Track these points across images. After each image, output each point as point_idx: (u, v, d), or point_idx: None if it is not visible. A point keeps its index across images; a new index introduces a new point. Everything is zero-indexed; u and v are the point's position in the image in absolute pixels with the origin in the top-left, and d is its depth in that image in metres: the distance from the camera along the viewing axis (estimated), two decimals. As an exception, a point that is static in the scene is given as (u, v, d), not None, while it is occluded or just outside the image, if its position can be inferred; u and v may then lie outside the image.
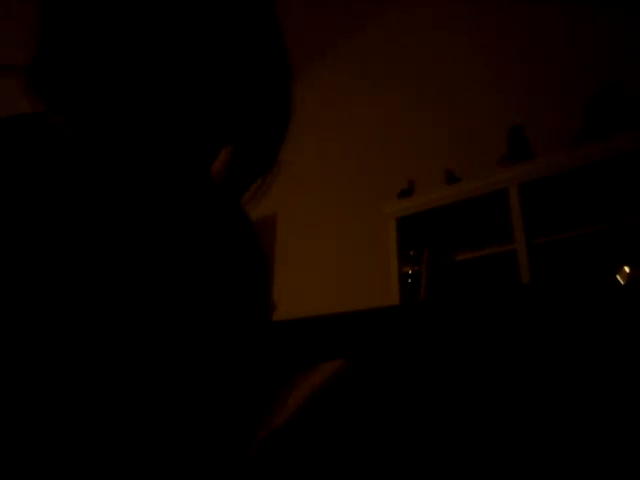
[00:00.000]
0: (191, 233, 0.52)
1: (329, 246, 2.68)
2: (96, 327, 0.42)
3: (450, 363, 0.92)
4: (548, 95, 2.12)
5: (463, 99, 2.40)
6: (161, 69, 0.44)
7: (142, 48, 0.44)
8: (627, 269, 0.78)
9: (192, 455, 0.45)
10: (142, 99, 0.45)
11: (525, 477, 0.79)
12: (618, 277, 0.78)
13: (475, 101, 2.36)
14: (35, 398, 0.39)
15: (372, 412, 0.87)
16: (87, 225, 0.46)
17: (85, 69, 0.44)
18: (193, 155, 0.51)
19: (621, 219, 1.62)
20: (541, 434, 0.80)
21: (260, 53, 0.51)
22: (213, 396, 0.48)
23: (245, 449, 0.51)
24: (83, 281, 0.43)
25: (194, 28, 0.45)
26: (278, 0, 0.54)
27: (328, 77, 3.02)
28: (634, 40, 1.93)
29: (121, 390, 0.42)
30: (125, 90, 0.44)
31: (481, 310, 0.97)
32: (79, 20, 0.44)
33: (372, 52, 2.87)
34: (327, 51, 2.95)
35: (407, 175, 2.32)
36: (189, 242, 0.52)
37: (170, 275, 0.48)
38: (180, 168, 0.51)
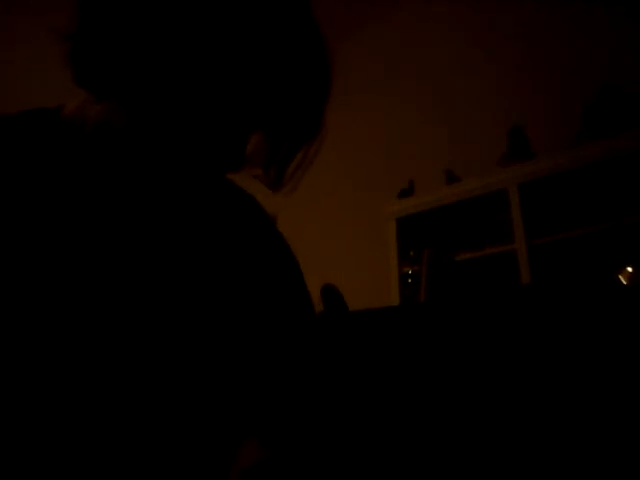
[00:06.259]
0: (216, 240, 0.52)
1: (329, 246, 2.67)
2: (100, 326, 0.42)
3: (449, 363, 0.91)
4: (548, 95, 2.12)
5: (463, 99, 2.40)
6: (191, 46, 0.43)
7: (173, 24, 0.43)
8: (630, 269, 0.77)
9: (191, 454, 0.45)
10: (173, 77, 0.44)
11: (524, 477, 0.79)
12: (620, 277, 0.77)
13: (475, 101, 2.35)
14: (35, 398, 0.39)
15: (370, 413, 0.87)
16: (98, 226, 0.46)
17: (124, 48, 0.43)
18: (227, 137, 0.49)
19: (621, 219, 1.62)
20: (540, 434, 0.80)
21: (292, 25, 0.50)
22: (216, 396, 0.48)
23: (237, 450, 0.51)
24: (88, 282, 0.43)
25: (226, 5, 0.45)
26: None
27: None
28: (634, 40, 1.92)
29: (123, 388, 0.42)
30: (157, 68, 0.44)
31: (481, 310, 0.97)
32: None
33: (372, 52, 2.87)
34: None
35: (407, 175, 2.31)
36: (210, 249, 0.51)
37: (187, 277, 0.48)
38: (201, 171, 0.50)
